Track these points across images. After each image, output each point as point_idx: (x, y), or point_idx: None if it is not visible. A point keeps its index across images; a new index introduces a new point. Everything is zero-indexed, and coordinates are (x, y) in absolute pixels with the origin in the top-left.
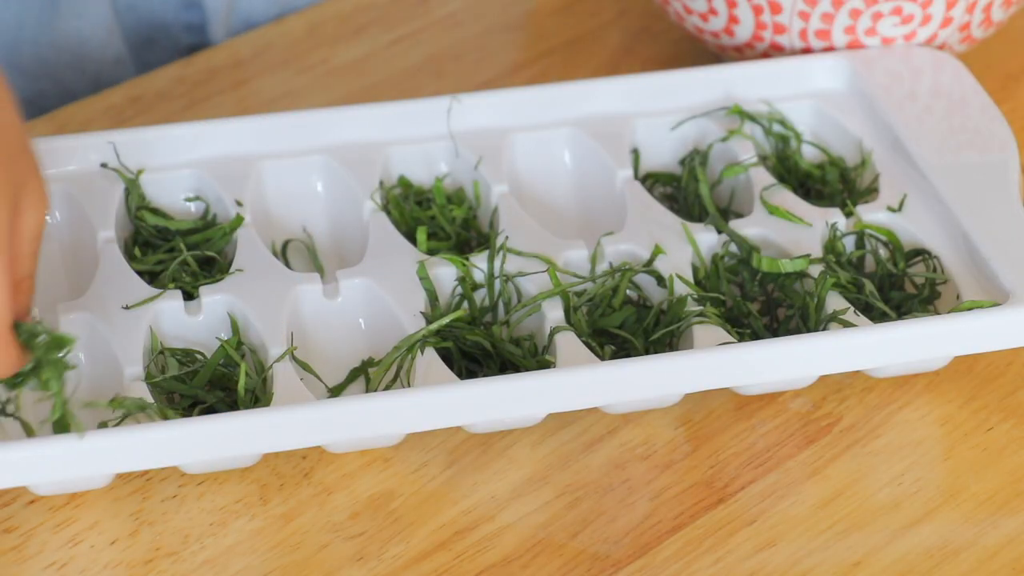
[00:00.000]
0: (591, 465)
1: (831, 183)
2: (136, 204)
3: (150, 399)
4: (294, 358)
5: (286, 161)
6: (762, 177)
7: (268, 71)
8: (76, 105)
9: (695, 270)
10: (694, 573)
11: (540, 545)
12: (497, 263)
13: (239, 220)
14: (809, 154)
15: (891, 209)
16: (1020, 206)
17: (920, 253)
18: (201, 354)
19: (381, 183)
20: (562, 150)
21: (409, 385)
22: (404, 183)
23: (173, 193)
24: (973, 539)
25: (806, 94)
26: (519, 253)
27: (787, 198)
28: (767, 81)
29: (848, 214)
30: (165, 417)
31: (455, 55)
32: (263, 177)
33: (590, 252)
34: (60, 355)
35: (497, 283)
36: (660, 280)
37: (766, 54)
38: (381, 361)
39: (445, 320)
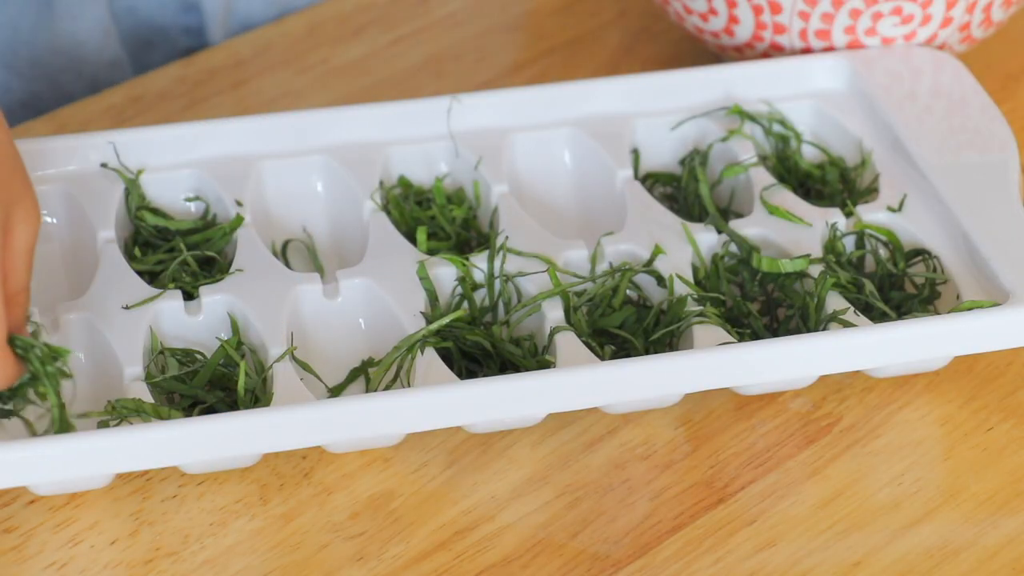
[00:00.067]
0: (591, 465)
1: (831, 183)
2: (136, 204)
3: (150, 399)
4: (294, 358)
5: (286, 161)
6: (762, 177)
7: (268, 71)
8: (76, 105)
9: (695, 270)
10: (694, 573)
11: (540, 545)
12: (497, 263)
13: (239, 220)
14: (809, 154)
15: (891, 209)
16: (1020, 206)
17: (920, 253)
18: (201, 354)
19: (381, 183)
20: (562, 150)
21: (409, 385)
22: (404, 183)
23: (173, 193)
24: (973, 539)
25: (806, 94)
26: (519, 253)
27: (787, 198)
28: (767, 81)
29: (848, 214)
30: (164, 417)
31: (455, 55)
32: (263, 177)
33: (590, 252)
34: (56, 366)
35: (497, 283)
36: (660, 280)
37: (766, 54)
38: (381, 361)
39: (445, 320)
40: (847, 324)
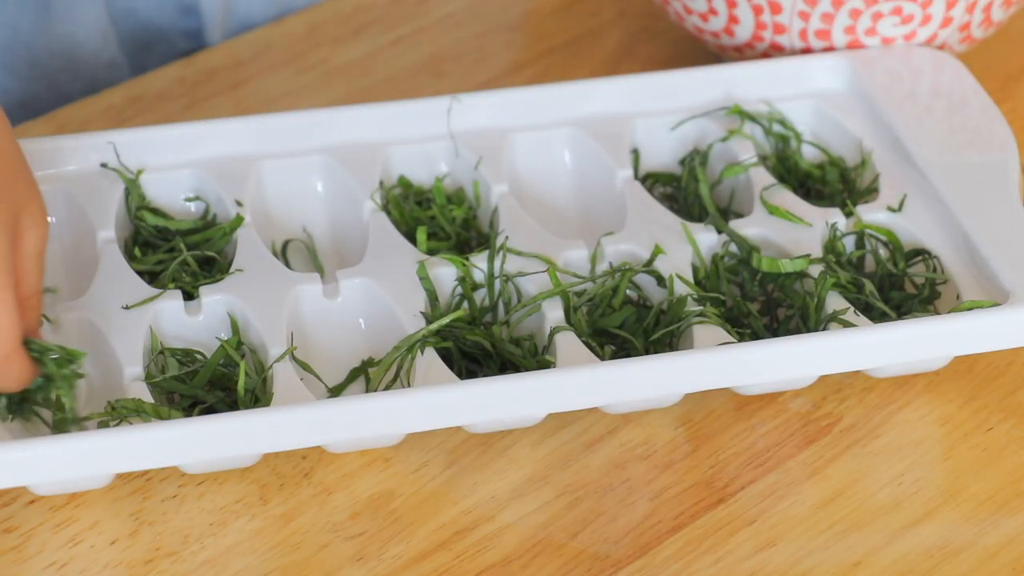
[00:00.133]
0: (591, 465)
1: (831, 183)
2: (136, 204)
3: (150, 399)
4: (294, 358)
5: (286, 161)
6: (762, 177)
7: (267, 71)
8: (75, 105)
9: (695, 270)
10: (694, 573)
11: (540, 545)
12: (497, 263)
13: (239, 220)
14: (809, 154)
15: (891, 209)
16: (1020, 206)
17: (920, 253)
18: (201, 354)
19: (381, 183)
20: (562, 150)
21: (409, 385)
22: (404, 183)
23: (173, 193)
24: (973, 539)
25: (806, 94)
26: (519, 253)
27: (787, 198)
28: (767, 81)
29: (848, 214)
30: (164, 417)
31: (455, 55)
32: (263, 177)
33: (590, 252)
34: (71, 369)
35: (497, 283)
36: (660, 280)
37: (766, 54)
38: (381, 361)
39: (445, 320)
40: (847, 324)
